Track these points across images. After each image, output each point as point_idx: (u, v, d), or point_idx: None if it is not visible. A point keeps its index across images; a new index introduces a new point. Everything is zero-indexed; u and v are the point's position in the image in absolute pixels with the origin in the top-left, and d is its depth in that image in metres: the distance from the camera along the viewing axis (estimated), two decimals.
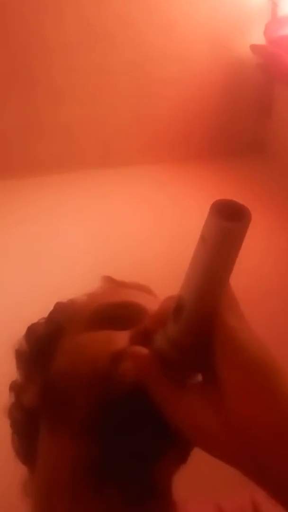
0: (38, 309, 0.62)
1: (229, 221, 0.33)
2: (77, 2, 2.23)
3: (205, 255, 0.35)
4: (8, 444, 0.56)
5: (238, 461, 0.35)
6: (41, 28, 2.25)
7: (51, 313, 0.60)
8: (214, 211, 0.34)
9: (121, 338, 0.46)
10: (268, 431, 0.33)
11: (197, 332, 0.37)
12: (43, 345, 0.55)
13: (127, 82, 2.39)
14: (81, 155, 2.44)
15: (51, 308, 0.61)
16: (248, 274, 1.78)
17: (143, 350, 0.39)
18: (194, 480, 0.63)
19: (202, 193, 2.02)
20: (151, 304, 0.51)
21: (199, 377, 0.38)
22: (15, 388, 0.57)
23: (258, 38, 2.33)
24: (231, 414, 0.34)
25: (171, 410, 0.37)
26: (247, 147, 2.48)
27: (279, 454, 0.33)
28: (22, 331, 0.60)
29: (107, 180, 2.32)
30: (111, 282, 0.63)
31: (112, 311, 0.52)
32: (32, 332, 0.58)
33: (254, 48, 2.37)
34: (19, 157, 2.40)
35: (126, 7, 2.26)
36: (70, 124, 2.41)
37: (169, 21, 2.32)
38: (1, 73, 2.28)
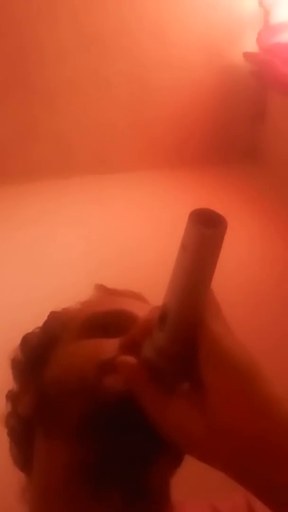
0: (35, 314, 0.63)
1: (207, 228, 0.35)
2: (72, 10, 2.25)
3: (186, 262, 0.37)
4: (7, 451, 0.57)
5: (224, 464, 0.36)
6: (36, 35, 2.26)
7: (45, 323, 0.61)
8: (192, 220, 0.36)
9: (109, 347, 0.47)
10: (250, 434, 0.34)
11: (182, 340, 0.38)
12: (37, 355, 0.56)
13: (122, 89, 2.40)
14: (77, 161, 2.45)
15: (47, 314, 0.62)
16: (244, 279, 1.79)
17: (130, 360, 0.40)
18: (191, 481, 0.64)
19: (196, 199, 2.03)
20: (144, 312, 0.51)
21: (186, 384, 0.39)
22: (11, 397, 0.58)
23: (251, 45, 2.35)
24: (215, 419, 0.35)
25: (157, 417, 0.38)
26: (240, 153, 2.50)
27: (261, 457, 0.34)
28: (20, 337, 0.61)
29: (103, 186, 2.33)
30: (103, 290, 0.64)
31: (103, 320, 0.53)
32: (27, 342, 0.60)
33: (247, 55, 2.39)
34: (15, 163, 2.41)
35: (120, 15, 2.28)
36: (66, 131, 2.42)
37: (163, 29, 2.33)
38: None
